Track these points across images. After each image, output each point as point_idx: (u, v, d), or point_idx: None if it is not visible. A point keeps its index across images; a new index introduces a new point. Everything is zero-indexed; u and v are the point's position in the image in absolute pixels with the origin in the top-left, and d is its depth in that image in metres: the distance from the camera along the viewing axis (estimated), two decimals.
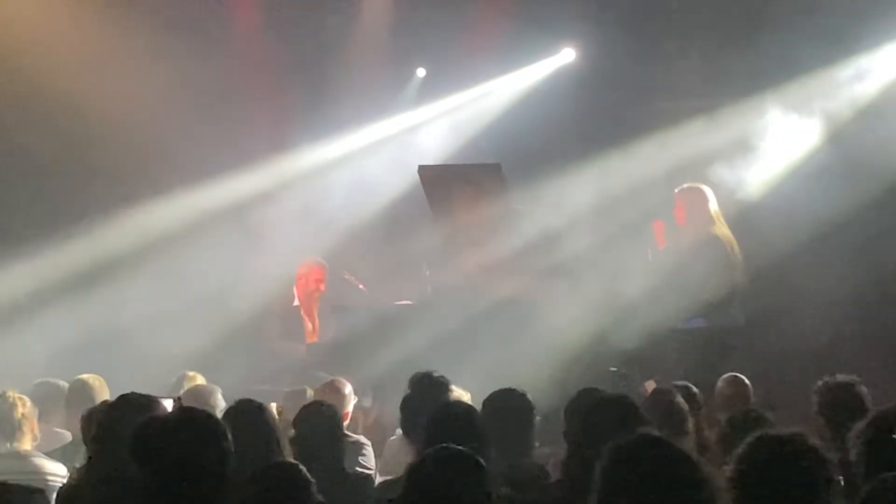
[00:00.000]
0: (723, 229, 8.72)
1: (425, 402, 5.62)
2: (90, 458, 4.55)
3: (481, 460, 3.77)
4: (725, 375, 7.01)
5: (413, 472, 3.75)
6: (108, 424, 4.44)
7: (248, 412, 4.90)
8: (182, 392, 6.39)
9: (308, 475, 3.90)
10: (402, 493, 3.74)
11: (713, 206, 8.79)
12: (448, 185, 10.18)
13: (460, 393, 6.34)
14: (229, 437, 3.37)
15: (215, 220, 10.31)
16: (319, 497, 3.90)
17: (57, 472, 5.71)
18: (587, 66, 10.68)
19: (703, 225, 8.70)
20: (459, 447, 3.80)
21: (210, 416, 3.43)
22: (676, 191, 8.95)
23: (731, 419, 5.37)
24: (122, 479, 4.13)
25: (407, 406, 5.85)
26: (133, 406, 4.45)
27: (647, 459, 3.14)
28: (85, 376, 6.91)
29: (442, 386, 6.00)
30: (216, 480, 3.30)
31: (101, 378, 6.89)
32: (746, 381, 6.94)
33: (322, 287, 10.02)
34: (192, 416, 3.44)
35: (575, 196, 9.83)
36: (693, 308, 8.63)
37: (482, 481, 3.72)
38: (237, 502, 3.75)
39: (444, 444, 3.82)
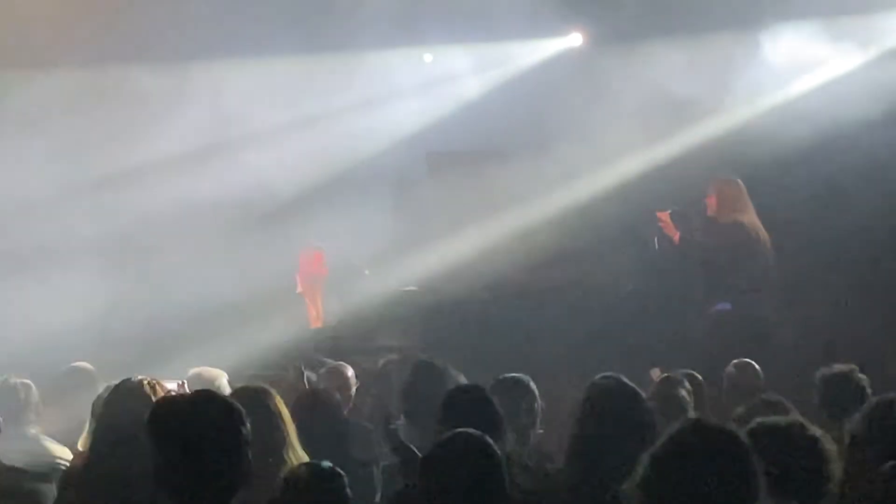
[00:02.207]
0: (751, 218, 8.86)
1: (426, 387, 5.63)
2: (93, 441, 4.56)
3: (495, 446, 3.80)
4: (735, 361, 6.99)
5: (430, 456, 3.77)
6: (111, 408, 4.44)
7: (254, 397, 4.87)
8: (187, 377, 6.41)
9: (344, 477, 3.89)
10: (420, 476, 3.77)
11: (745, 197, 8.97)
12: (456, 171, 10.21)
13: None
14: (248, 423, 3.37)
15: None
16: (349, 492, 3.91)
17: (64, 456, 5.74)
18: (593, 53, 10.66)
19: (733, 214, 8.87)
20: (475, 432, 3.83)
21: (230, 401, 3.42)
22: (710, 182, 9.06)
23: (751, 410, 5.30)
24: (124, 463, 4.15)
25: (408, 392, 5.86)
26: (135, 390, 4.45)
27: (699, 447, 3.04)
28: (78, 363, 6.92)
29: (442, 372, 6.00)
30: (234, 465, 3.29)
31: (90, 365, 6.90)
32: (757, 367, 6.92)
33: (324, 272, 10.03)
34: (213, 398, 3.41)
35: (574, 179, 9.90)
36: (721, 293, 8.71)
37: (497, 466, 3.75)
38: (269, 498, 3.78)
39: (461, 430, 3.84)
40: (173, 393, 4.71)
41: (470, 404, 4.77)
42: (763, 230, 8.95)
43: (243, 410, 3.37)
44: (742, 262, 8.79)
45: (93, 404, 5.12)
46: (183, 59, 10.05)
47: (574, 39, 10.92)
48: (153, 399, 4.36)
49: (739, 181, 9.06)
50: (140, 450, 4.15)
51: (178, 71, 10.05)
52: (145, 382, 4.54)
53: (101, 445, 4.45)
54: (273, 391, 4.95)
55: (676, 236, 9.01)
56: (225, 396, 3.46)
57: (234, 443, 3.29)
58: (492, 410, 4.79)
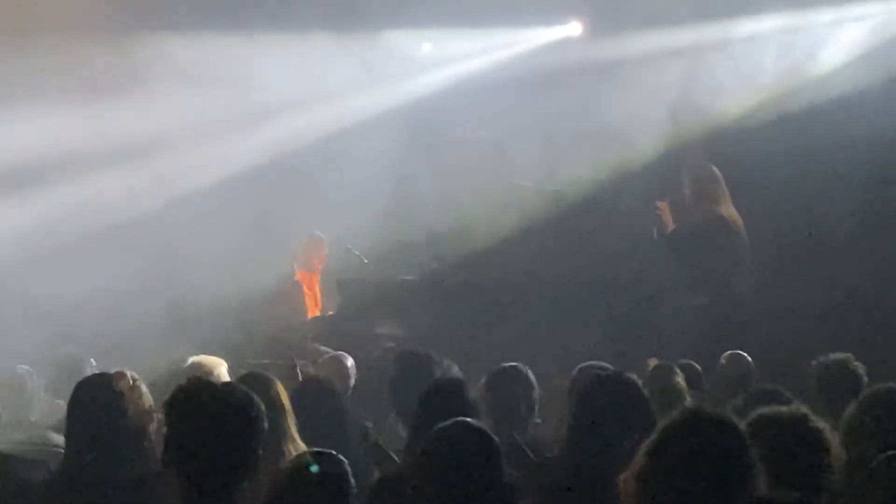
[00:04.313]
0: (729, 209, 8.87)
1: (412, 379, 5.64)
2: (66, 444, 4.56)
3: (494, 437, 3.80)
4: (727, 353, 7.01)
5: (429, 444, 3.78)
6: (73, 405, 4.44)
7: (257, 386, 4.83)
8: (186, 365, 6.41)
9: (347, 465, 3.92)
10: (418, 467, 3.78)
11: (721, 186, 8.92)
12: (455, 160, 10.21)
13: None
14: (266, 420, 3.40)
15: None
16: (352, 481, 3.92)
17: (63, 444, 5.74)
18: (592, 43, 10.64)
19: (711, 204, 8.84)
20: (473, 421, 3.84)
21: (253, 396, 3.46)
22: (686, 170, 9.06)
23: (749, 400, 5.30)
24: (85, 461, 4.17)
25: (395, 384, 5.86)
26: (94, 385, 4.44)
27: (696, 437, 3.05)
28: (67, 349, 6.93)
29: (427, 362, 6.01)
30: (245, 459, 3.33)
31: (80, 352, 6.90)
32: (748, 358, 6.94)
33: (323, 261, 10.02)
34: (236, 390, 3.47)
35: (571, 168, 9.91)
36: (699, 285, 8.72)
37: (496, 456, 3.76)
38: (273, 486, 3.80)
39: (460, 419, 3.85)
40: None
41: (443, 400, 4.73)
42: (741, 223, 8.92)
43: (263, 407, 3.40)
44: (719, 252, 8.77)
45: None
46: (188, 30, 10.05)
47: (573, 29, 10.89)
48: (111, 394, 4.37)
49: (714, 168, 9.03)
50: (109, 449, 4.18)
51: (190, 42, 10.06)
52: (104, 378, 4.52)
53: (69, 443, 4.46)
54: (276, 380, 4.95)
55: (672, 227, 9.03)
56: (249, 391, 3.47)
57: (249, 437, 3.34)
58: (467, 401, 4.76)
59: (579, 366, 5.87)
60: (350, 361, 7.06)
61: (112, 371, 4.58)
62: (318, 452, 4.02)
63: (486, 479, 3.71)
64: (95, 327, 8.91)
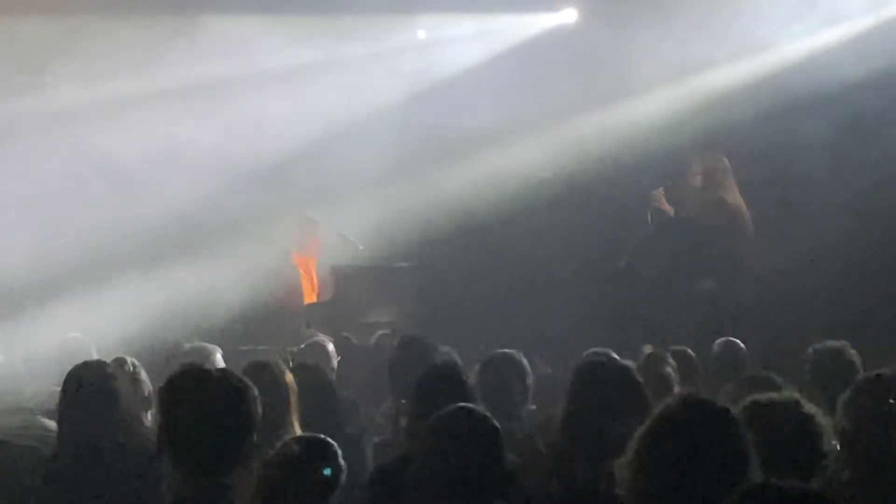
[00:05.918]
0: (735, 196, 8.91)
1: (412, 363, 5.65)
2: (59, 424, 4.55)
3: (496, 422, 3.82)
4: (720, 340, 7.03)
5: (429, 432, 3.80)
6: (65, 390, 4.42)
7: (265, 374, 4.77)
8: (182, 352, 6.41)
9: (337, 448, 3.92)
10: (420, 453, 3.79)
11: (730, 176, 8.98)
12: (449, 146, 10.21)
13: None
14: (259, 406, 3.41)
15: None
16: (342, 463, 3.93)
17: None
18: (586, 31, 10.63)
19: (716, 191, 8.88)
20: (477, 407, 3.85)
21: (247, 381, 3.47)
22: (695, 157, 9.10)
23: (739, 386, 5.32)
24: (80, 448, 4.17)
25: (394, 368, 5.87)
26: (86, 371, 4.43)
27: (689, 422, 3.06)
28: (71, 334, 6.92)
29: (427, 348, 6.02)
30: (238, 444, 3.34)
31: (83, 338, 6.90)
32: (741, 345, 6.96)
33: (318, 244, 10.00)
34: (229, 376, 3.48)
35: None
36: (702, 270, 8.75)
37: (499, 441, 3.77)
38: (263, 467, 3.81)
39: (463, 404, 3.87)
40: None
41: (440, 384, 4.74)
42: (745, 210, 8.98)
43: (257, 393, 3.41)
44: (725, 239, 8.83)
45: None
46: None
47: (568, 15, 10.87)
48: (104, 379, 4.36)
49: (724, 158, 9.08)
50: (102, 433, 4.18)
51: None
52: (98, 365, 4.51)
53: (62, 430, 4.45)
54: (285, 368, 4.94)
55: (671, 213, 9.07)
56: (242, 377, 3.49)
57: (243, 424, 3.35)
58: (464, 385, 4.78)
59: (586, 352, 5.89)
60: (331, 346, 7.08)
61: (113, 357, 4.59)
62: (307, 437, 4.03)
63: (488, 464, 3.73)
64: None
